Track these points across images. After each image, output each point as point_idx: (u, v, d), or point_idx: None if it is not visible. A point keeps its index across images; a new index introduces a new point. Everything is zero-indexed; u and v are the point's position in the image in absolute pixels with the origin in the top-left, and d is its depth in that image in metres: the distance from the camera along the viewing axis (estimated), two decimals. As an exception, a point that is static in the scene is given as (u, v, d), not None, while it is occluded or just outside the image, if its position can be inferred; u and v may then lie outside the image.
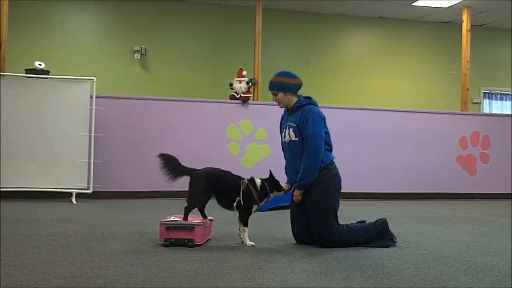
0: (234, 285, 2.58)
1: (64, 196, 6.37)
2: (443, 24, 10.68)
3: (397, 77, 10.60)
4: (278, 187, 3.75)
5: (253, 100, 7.84)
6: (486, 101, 11.20)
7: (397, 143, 7.92)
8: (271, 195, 3.73)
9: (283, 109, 3.94)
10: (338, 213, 3.75)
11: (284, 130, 3.85)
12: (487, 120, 8.62)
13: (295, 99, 3.83)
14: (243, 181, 3.68)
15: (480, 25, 10.53)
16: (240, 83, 7.46)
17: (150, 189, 6.93)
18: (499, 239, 4.21)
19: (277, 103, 3.89)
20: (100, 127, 6.58)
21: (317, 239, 3.67)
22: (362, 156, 7.66)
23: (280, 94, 3.81)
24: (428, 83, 10.69)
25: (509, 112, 10.54)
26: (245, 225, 3.66)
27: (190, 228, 3.53)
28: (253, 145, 7.43)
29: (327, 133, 3.78)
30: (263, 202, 3.72)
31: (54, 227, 4.28)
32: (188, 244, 3.50)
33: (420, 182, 7.96)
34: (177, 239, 3.51)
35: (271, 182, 3.73)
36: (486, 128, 8.34)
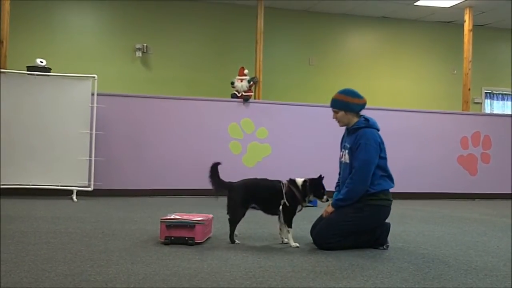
0: (235, 283, 2.58)
1: (64, 193, 6.37)
2: (445, 24, 10.66)
3: (398, 76, 10.59)
4: (318, 193, 3.63)
5: (254, 98, 7.82)
6: (487, 101, 11.20)
7: (398, 142, 7.89)
8: (310, 196, 3.63)
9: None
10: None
11: (343, 150, 3.76)
12: (488, 120, 8.62)
13: (355, 119, 3.70)
14: (283, 184, 3.64)
15: (482, 25, 10.51)
16: (241, 81, 7.45)
17: (151, 187, 6.93)
18: (499, 239, 4.21)
19: (336, 121, 3.74)
20: (101, 124, 6.58)
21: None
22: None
23: (341, 113, 3.68)
24: (429, 82, 10.68)
25: (510, 112, 10.53)
26: (290, 226, 3.63)
27: (191, 226, 3.53)
28: (254, 144, 7.42)
29: (383, 158, 3.63)
30: (306, 202, 3.67)
31: (55, 225, 4.29)
32: (188, 242, 3.50)
33: (420, 182, 7.96)
34: (177, 237, 3.52)
35: (313, 184, 3.63)
36: (487, 128, 8.33)
